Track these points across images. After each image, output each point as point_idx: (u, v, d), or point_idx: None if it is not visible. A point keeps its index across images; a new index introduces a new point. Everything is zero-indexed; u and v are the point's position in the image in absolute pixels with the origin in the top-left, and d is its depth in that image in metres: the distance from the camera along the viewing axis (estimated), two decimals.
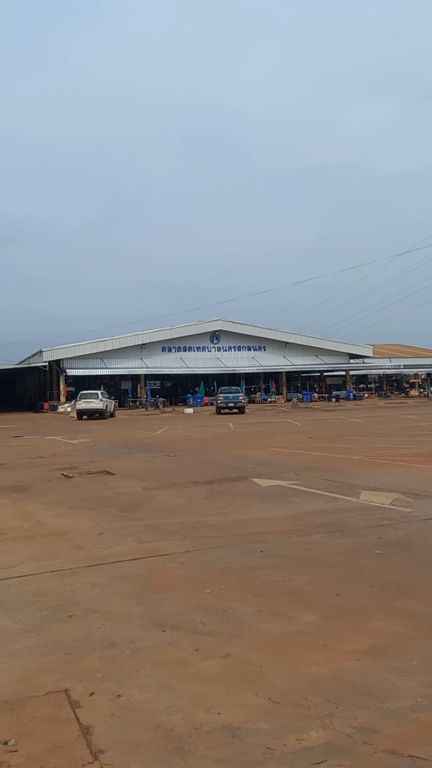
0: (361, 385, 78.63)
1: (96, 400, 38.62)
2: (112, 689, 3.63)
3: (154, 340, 59.76)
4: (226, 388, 45.99)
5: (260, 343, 65.06)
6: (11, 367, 67.38)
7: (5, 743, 3.12)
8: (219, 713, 3.34)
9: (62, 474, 13.21)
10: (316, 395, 63.92)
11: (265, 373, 66.27)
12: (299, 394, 60.90)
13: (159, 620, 4.67)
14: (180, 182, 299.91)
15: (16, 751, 3.05)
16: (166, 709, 3.39)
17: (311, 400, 59.35)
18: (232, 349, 64.05)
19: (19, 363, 69.83)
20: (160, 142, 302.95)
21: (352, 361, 69.56)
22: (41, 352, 56.75)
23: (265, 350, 65.27)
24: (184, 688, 3.63)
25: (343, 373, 71.38)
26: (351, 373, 71.16)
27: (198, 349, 62.48)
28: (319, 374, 73.79)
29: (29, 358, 66.23)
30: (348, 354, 68.85)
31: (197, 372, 62.33)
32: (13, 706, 3.49)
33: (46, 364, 56.20)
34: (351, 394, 62.85)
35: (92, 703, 3.49)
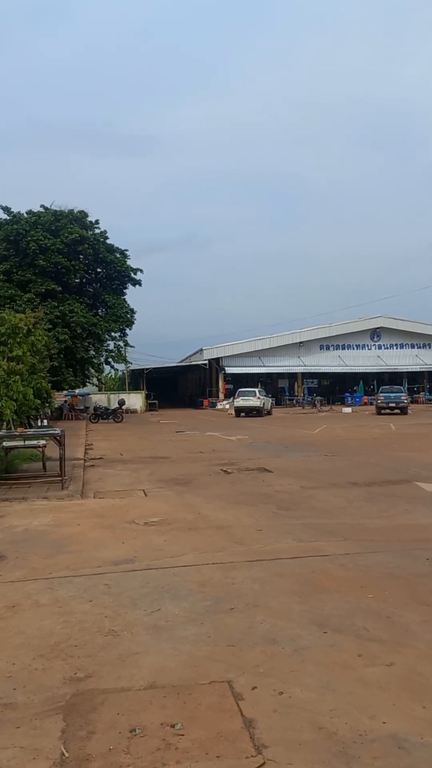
0: None
1: (253, 398, 39.13)
2: (274, 685, 3.65)
3: (312, 338, 59.25)
4: (388, 387, 44.48)
5: (425, 341, 62.09)
6: (174, 365, 70.28)
7: (172, 726, 3.25)
8: (384, 722, 3.23)
9: (221, 469, 13.53)
10: None
11: (430, 372, 63.23)
12: None
13: (320, 621, 4.62)
14: (345, 182, 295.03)
15: (182, 735, 3.17)
16: (329, 712, 3.34)
17: None
18: (394, 347, 61.74)
19: (181, 361, 72.59)
20: (325, 144, 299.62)
21: None
22: (201, 350, 58.51)
23: (430, 348, 62.26)
24: (347, 692, 3.56)
25: None
26: None
27: (357, 347, 61.02)
28: None
29: (190, 356, 68.60)
30: None
31: (356, 370, 60.94)
32: (180, 691, 3.62)
33: (206, 362, 57.91)
34: None
35: (255, 697, 3.54)
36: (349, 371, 61.26)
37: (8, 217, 38.06)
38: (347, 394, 56.95)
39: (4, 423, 13.34)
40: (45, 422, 20.12)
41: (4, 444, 12.78)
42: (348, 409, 46.35)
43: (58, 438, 11.78)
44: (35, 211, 38.67)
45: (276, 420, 35.59)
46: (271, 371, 60.10)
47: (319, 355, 60.03)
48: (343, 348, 60.62)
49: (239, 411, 39.09)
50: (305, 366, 59.03)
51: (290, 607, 4.93)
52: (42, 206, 39.33)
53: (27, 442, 12.69)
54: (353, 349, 60.83)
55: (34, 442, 12.70)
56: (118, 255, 40.54)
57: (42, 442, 12.73)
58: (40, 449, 13.14)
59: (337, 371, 61.70)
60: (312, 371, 60.60)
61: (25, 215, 38.04)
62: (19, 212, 38.33)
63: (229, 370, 57.45)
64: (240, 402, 39.19)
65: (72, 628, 4.61)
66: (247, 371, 58.24)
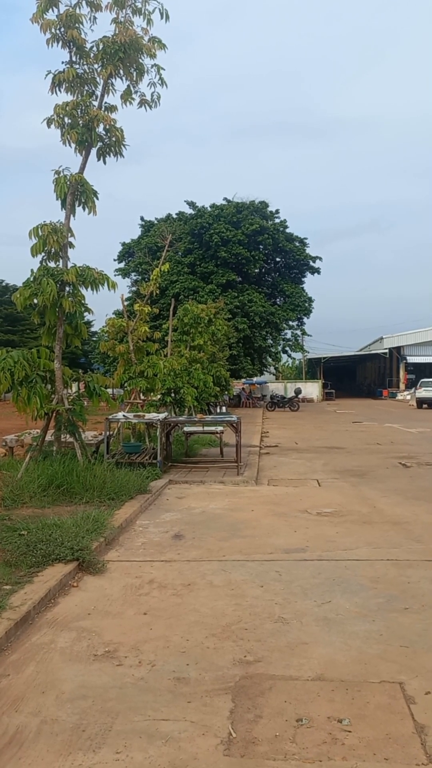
0: None
1: None
2: None
3: None
4: None
5: None
6: (352, 354, 68.94)
7: (340, 721, 3.20)
8: None
9: (400, 462, 13.04)
10: None
11: None
12: None
13: None
14: None
15: (350, 731, 3.11)
16: None
17: None
18: None
19: (360, 350, 71.00)
20: None
21: None
22: (382, 339, 56.71)
23: None
24: None
25: None
26: None
27: None
28: None
29: (370, 345, 66.83)
30: None
31: None
32: (349, 686, 3.56)
33: (386, 351, 56.06)
34: None
35: (428, 702, 3.37)
36: None
37: (193, 212, 39.67)
38: None
39: (186, 409, 13.99)
40: (223, 409, 20.75)
41: (185, 429, 13.40)
42: None
43: (235, 425, 12.09)
44: (218, 204, 39.87)
45: None
46: None
47: None
48: None
49: (422, 402, 37.32)
50: None
51: None
52: (225, 199, 40.44)
53: (206, 428, 13.18)
54: None
55: (213, 428, 13.16)
56: (297, 244, 40.54)
57: (220, 428, 13.15)
58: (218, 435, 13.59)
59: None
60: None
61: (209, 209, 39.36)
62: (203, 206, 39.77)
63: (411, 359, 55.03)
64: (423, 393, 37.37)
65: (243, 611, 4.71)
66: (430, 360, 55.37)
